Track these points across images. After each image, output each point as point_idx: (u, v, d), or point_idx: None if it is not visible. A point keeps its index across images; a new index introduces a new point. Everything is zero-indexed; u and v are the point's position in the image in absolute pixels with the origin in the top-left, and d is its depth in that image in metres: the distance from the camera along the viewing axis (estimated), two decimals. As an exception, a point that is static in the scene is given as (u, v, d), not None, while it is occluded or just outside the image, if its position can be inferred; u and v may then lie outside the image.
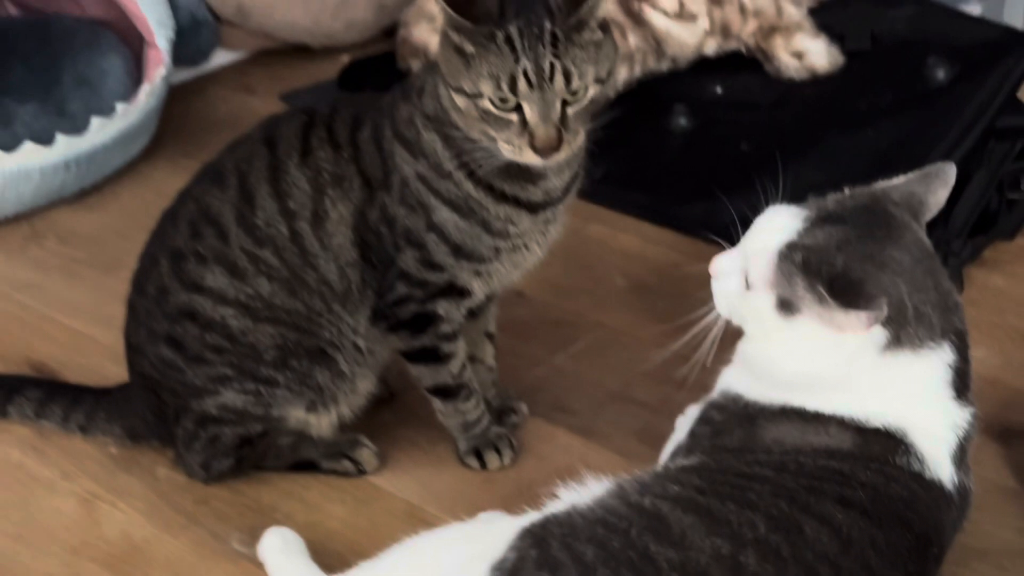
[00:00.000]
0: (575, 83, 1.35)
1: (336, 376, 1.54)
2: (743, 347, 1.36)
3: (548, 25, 1.34)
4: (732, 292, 1.33)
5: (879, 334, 1.28)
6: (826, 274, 1.25)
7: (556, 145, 1.36)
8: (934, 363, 1.31)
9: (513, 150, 1.37)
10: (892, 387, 1.30)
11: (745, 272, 1.31)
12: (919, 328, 1.29)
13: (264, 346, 1.50)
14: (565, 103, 1.36)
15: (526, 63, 1.33)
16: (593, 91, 1.37)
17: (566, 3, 1.35)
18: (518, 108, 1.35)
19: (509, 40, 1.34)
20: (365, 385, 1.58)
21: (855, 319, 1.25)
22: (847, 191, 1.35)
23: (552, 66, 1.34)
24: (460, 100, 1.38)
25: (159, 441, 1.61)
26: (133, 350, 1.58)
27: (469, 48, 1.35)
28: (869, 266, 1.27)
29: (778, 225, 1.31)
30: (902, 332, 1.28)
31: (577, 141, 1.39)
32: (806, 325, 1.28)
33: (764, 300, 1.29)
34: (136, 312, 1.57)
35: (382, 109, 1.49)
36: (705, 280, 1.34)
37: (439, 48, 1.40)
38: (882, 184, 1.36)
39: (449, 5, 1.33)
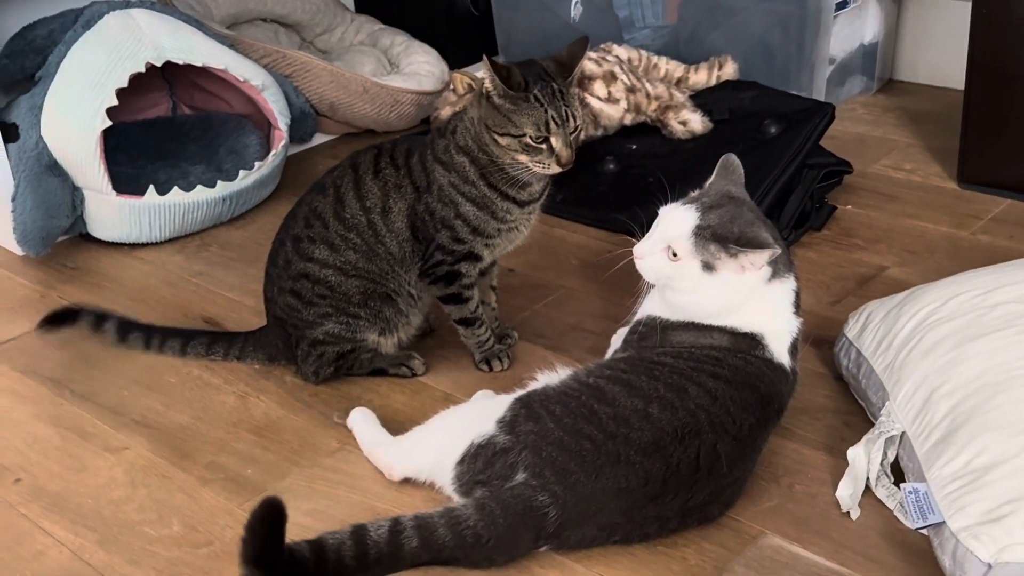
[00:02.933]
0: (577, 121, 1.38)
1: (397, 312, 1.55)
2: (669, 297, 1.31)
3: (555, 87, 1.37)
4: (660, 265, 1.28)
5: (766, 270, 1.27)
6: (732, 237, 1.24)
7: (572, 160, 1.39)
8: (787, 288, 1.31)
9: (544, 166, 1.39)
10: (762, 306, 1.29)
11: (667, 251, 1.27)
12: (783, 264, 1.29)
13: (352, 293, 1.52)
14: (570, 134, 1.39)
15: (552, 112, 1.36)
16: (581, 125, 1.40)
17: (557, 70, 1.38)
18: (546, 140, 1.38)
19: (538, 99, 1.36)
20: (416, 319, 1.59)
21: (761, 257, 1.24)
22: (702, 190, 1.34)
23: (565, 112, 1.37)
24: (503, 140, 1.39)
25: (286, 361, 1.62)
26: (269, 301, 1.59)
27: (510, 106, 1.37)
28: (753, 227, 1.26)
29: (681, 217, 1.28)
30: (776, 267, 1.28)
31: (574, 156, 1.40)
32: (723, 275, 1.26)
33: (692, 265, 1.26)
34: (271, 277, 1.58)
35: (424, 143, 1.51)
36: (625, 259, 1.33)
37: (480, 108, 1.41)
38: (712, 181, 1.35)
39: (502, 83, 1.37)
